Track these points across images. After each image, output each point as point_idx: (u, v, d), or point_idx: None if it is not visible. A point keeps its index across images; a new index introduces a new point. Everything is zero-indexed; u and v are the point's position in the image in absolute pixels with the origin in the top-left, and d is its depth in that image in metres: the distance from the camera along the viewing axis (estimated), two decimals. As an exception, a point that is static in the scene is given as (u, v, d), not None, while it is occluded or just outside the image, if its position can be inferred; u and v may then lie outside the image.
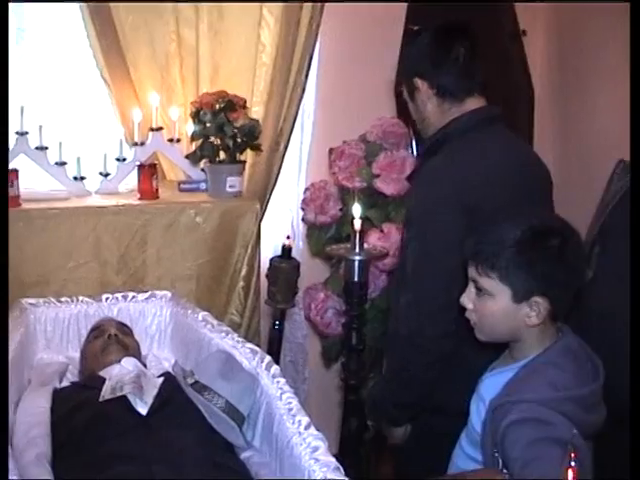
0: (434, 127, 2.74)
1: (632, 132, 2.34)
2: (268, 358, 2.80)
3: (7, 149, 2.72)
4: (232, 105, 3.59)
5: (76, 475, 2.40)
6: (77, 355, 3.22)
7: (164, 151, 3.89)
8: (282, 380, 2.66)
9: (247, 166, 3.86)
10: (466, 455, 2.36)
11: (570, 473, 1.57)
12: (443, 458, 2.48)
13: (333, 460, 2.23)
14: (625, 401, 2.07)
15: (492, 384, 2.27)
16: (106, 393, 2.68)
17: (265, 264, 3.61)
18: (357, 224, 2.92)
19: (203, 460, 2.46)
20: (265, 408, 2.66)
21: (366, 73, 4.16)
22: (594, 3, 3.73)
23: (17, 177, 3.43)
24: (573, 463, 1.58)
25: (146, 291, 3.44)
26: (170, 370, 2.99)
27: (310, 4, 3.87)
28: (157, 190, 3.65)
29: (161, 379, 2.83)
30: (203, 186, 3.81)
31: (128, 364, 2.93)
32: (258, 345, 3.09)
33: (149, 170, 3.63)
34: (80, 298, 3.34)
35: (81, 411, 2.65)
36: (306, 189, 3.87)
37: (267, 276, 3.30)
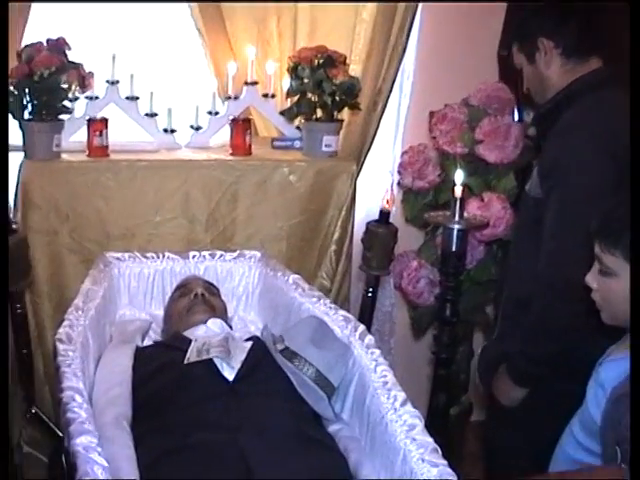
0: (554, 89, 2.70)
1: (632, 132, 2.26)
2: (362, 327, 2.70)
3: (7, 149, 2.63)
4: (332, 61, 3.47)
5: (156, 440, 2.33)
6: (161, 313, 3.18)
7: (258, 106, 3.78)
8: (377, 351, 2.56)
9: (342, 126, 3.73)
10: (577, 443, 2.24)
11: None
12: (554, 434, 2.38)
13: (431, 440, 2.15)
14: None
15: (612, 370, 2.15)
16: (192, 355, 2.59)
17: (357, 228, 3.54)
18: (458, 191, 2.84)
19: (292, 431, 2.38)
20: (357, 380, 2.57)
21: (469, 35, 4.06)
22: None
23: (106, 127, 3.36)
24: None
25: (235, 250, 3.36)
26: (257, 334, 2.92)
27: (414, -38, 3.73)
28: (250, 146, 3.53)
29: (249, 343, 2.73)
30: (297, 144, 3.70)
31: (215, 326, 2.86)
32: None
33: (243, 125, 3.52)
34: (166, 254, 3.29)
35: (164, 373, 2.58)
36: (404, 152, 3.74)
37: (362, 241, 3.20)
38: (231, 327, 3.01)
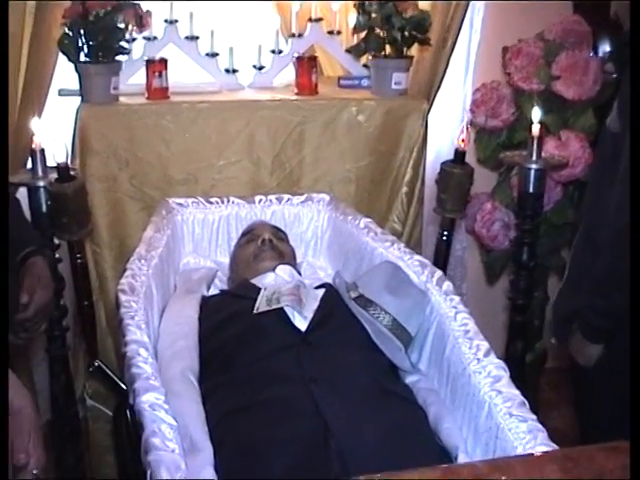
0: None
1: (632, 132, 2.22)
2: (439, 273, 2.60)
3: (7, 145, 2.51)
4: (401, -6, 3.34)
5: (225, 395, 2.25)
6: (226, 261, 3.10)
7: (323, 43, 3.67)
8: (456, 298, 2.46)
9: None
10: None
11: None
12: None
13: (518, 393, 2.07)
14: None
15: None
16: (261, 304, 2.49)
17: (429, 169, 3.43)
18: (535, 129, 2.80)
19: (368, 383, 2.28)
20: (436, 329, 2.48)
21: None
22: None
23: (166, 68, 3.26)
24: None
25: (302, 194, 3.26)
26: (328, 281, 2.83)
27: None
28: (316, 85, 3.43)
29: (321, 291, 2.63)
30: (365, 82, 3.57)
31: (284, 273, 2.77)
32: (419, 256, 2.90)
33: (308, 63, 3.41)
34: (231, 199, 3.20)
35: (233, 323, 2.48)
36: (476, 90, 3.66)
37: (437, 182, 3.07)
38: (300, 274, 2.92)
